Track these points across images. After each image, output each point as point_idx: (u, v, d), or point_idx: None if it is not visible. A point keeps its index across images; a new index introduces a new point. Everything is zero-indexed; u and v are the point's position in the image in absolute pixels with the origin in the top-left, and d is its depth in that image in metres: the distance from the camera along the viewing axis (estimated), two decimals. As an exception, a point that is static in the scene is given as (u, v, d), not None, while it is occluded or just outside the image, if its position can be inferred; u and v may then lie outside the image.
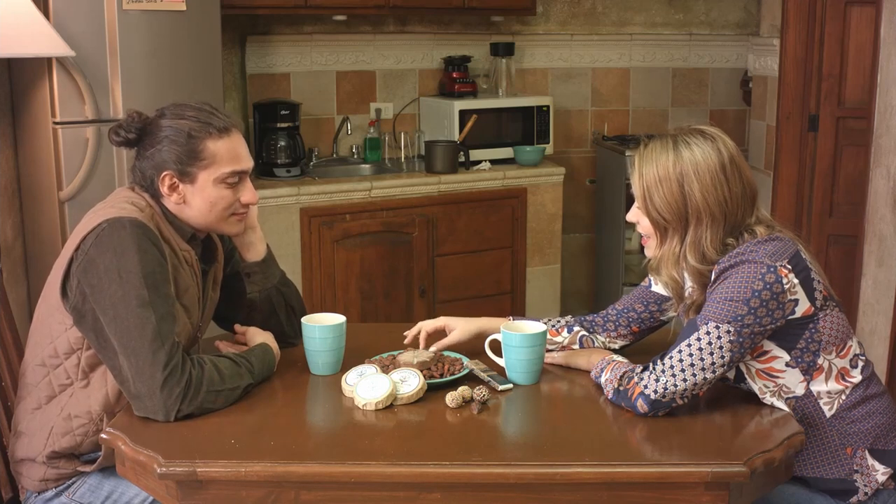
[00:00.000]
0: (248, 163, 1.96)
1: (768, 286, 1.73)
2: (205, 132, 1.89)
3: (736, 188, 1.81)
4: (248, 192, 1.96)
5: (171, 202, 1.92)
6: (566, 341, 2.09)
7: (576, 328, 2.09)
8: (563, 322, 2.12)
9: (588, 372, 1.94)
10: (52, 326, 1.86)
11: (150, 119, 1.93)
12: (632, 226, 1.99)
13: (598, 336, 2.09)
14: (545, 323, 2.07)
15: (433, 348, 2.04)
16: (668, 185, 1.81)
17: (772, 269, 1.74)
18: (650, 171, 1.83)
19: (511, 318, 2.11)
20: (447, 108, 4.34)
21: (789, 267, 1.75)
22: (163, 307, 1.78)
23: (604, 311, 2.13)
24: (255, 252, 2.10)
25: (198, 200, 1.91)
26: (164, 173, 1.88)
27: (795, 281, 1.75)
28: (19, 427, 1.92)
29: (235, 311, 2.13)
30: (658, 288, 2.06)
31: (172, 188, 1.90)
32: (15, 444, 1.92)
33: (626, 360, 1.88)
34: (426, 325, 2.11)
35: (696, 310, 1.86)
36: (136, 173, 1.93)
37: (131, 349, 1.74)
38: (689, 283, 1.89)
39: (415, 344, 2.08)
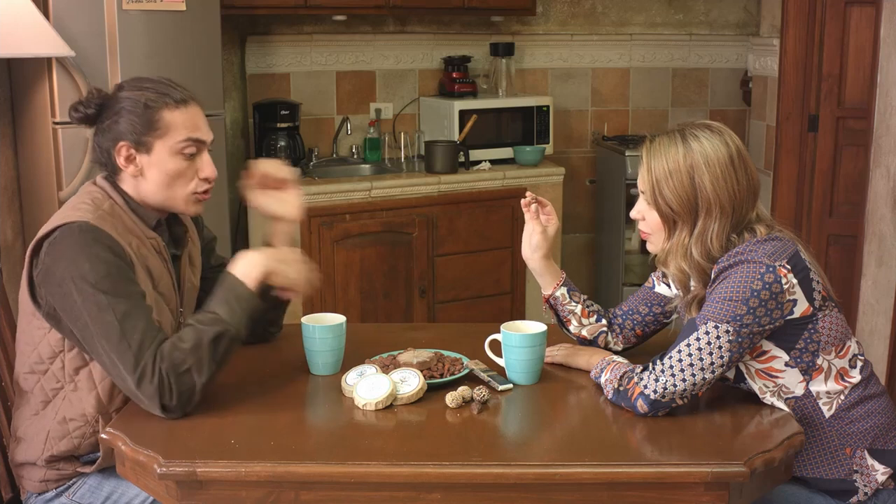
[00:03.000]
0: (206, 134, 1.92)
1: (767, 286, 1.73)
2: (161, 102, 1.86)
3: (743, 181, 1.82)
4: (207, 166, 1.92)
5: (129, 177, 1.88)
6: (587, 328, 2.09)
7: (603, 320, 2.10)
8: (594, 307, 2.11)
9: (588, 372, 1.94)
10: (32, 334, 1.86)
11: (108, 94, 1.91)
12: (632, 226, 2.00)
13: (609, 336, 2.09)
14: (579, 303, 2.08)
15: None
16: (678, 178, 1.81)
17: (771, 269, 1.74)
18: (659, 165, 1.83)
19: (560, 280, 2.10)
20: (447, 108, 4.34)
21: (788, 267, 1.75)
22: (124, 305, 1.74)
23: (611, 311, 2.13)
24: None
25: (154, 172, 1.87)
26: (120, 144, 1.85)
27: (794, 281, 1.75)
28: (18, 433, 1.92)
29: None
30: (661, 289, 2.06)
31: (129, 160, 1.86)
32: (15, 449, 1.92)
33: (626, 361, 1.88)
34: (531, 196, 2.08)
35: (697, 305, 1.86)
36: (95, 150, 1.90)
37: (105, 353, 1.74)
38: (692, 282, 1.89)
39: (415, 344, 2.07)
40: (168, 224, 1.98)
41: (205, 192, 1.94)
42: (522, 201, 2.08)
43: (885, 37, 3.33)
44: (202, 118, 1.92)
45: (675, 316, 2.08)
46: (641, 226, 1.92)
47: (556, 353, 2.04)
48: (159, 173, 1.87)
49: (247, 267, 1.84)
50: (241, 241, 4.00)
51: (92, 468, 1.88)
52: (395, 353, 2.01)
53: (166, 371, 1.72)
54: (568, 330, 2.11)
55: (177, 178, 1.88)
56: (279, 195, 2.03)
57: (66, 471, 1.88)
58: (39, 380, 1.87)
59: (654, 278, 2.08)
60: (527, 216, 2.09)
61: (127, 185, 1.90)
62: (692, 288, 1.89)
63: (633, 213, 1.94)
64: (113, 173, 1.90)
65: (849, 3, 4.07)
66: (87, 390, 1.85)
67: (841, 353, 1.82)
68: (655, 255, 1.93)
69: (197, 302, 2.06)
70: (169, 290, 1.92)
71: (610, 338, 2.09)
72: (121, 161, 1.87)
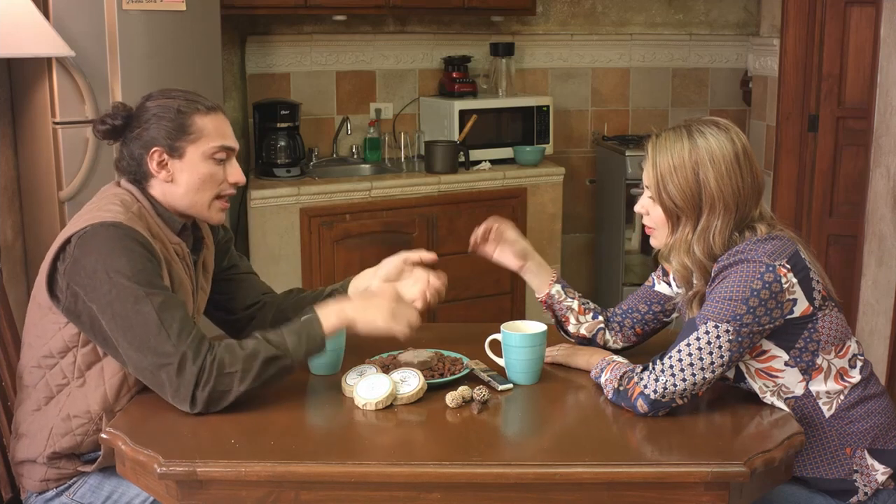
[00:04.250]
0: (235, 142, 1.97)
1: (767, 286, 1.73)
2: (193, 108, 1.90)
3: (748, 179, 1.82)
4: (236, 172, 1.96)
5: (159, 182, 1.91)
6: (585, 325, 2.09)
7: (599, 317, 2.10)
8: (590, 305, 2.11)
9: (588, 372, 1.94)
10: (44, 328, 1.86)
11: (134, 106, 1.94)
12: (632, 226, 2.00)
13: (608, 334, 2.09)
14: (575, 299, 2.09)
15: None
16: (682, 173, 1.82)
17: (770, 269, 1.74)
18: (665, 160, 1.83)
19: (554, 277, 2.12)
20: (447, 108, 4.34)
21: (788, 266, 1.75)
22: (160, 296, 1.77)
23: (610, 310, 2.13)
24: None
25: (185, 177, 1.90)
26: (154, 149, 1.89)
27: (794, 280, 1.75)
28: (20, 429, 1.92)
29: (236, 303, 2.15)
30: (661, 287, 2.06)
31: (161, 165, 1.90)
32: (16, 446, 1.92)
33: (626, 361, 1.88)
34: (480, 231, 2.11)
35: (698, 303, 1.86)
36: (124, 159, 1.93)
37: (137, 345, 1.74)
38: (694, 278, 1.89)
39: (415, 344, 2.07)
40: (190, 230, 2.00)
41: (227, 198, 1.98)
42: (469, 249, 2.08)
43: (885, 37, 3.33)
44: (229, 127, 1.97)
45: (675, 315, 2.08)
46: (645, 220, 1.92)
47: (556, 352, 2.04)
48: (191, 177, 1.90)
49: (331, 313, 1.85)
50: (240, 240, 4.00)
51: (93, 467, 1.88)
52: (395, 353, 2.01)
53: (210, 364, 1.74)
54: (566, 331, 2.11)
55: (207, 181, 1.92)
56: (410, 279, 2.13)
57: (66, 470, 1.88)
58: (45, 375, 1.87)
59: (655, 277, 2.09)
60: (482, 253, 2.08)
61: (155, 190, 1.93)
62: (694, 284, 1.89)
63: (637, 208, 1.94)
64: (142, 180, 1.92)
65: (849, 3, 4.07)
66: (95, 387, 1.85)
67: (841, 353, 1.82)
68: (658, 251, 1.94)
69: (207, 304, 2.10)
70: (188, 295, 1.94)
71: (609, 336, 2.09)
72: (153, 166, 1.90)
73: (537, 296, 2.13)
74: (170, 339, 1.73)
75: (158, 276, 1.81)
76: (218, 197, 1.95)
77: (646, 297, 2.08)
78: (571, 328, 2.10)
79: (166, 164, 1.90)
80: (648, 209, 1.90)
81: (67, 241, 1.80)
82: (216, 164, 1.93)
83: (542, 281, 2.12)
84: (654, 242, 1.94)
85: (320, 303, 1.90)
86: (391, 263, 2.16)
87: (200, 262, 2.04)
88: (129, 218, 1.83)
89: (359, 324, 1.86)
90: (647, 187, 1.89)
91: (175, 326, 1.75)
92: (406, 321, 1.86)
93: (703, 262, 1.83)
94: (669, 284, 2.05)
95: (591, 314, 2.10)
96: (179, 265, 1.91)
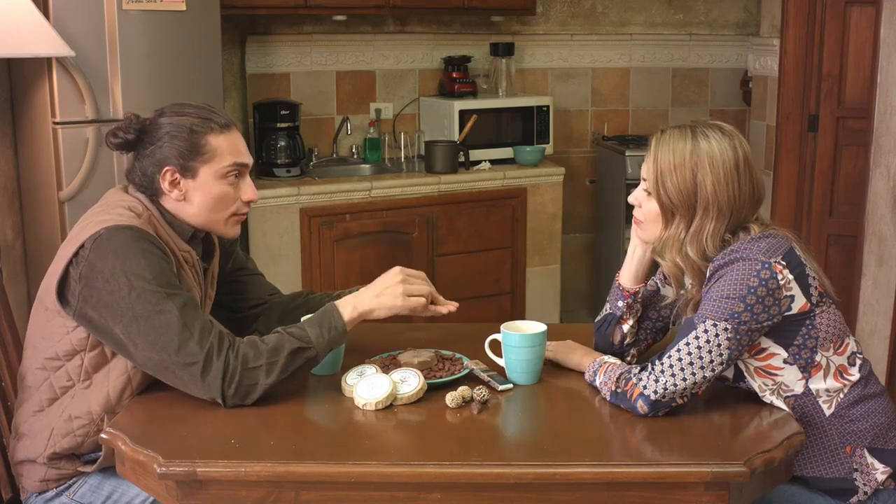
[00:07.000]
0: (248, 158, 1.97)
1: (764, 282, 1.73)
2: (206, 127, 1.89)
3: (745, 188, 1.83)
4: (249, 189, 1.97)
5: (171, 199, 1.91)
6: (631, 332, 2.05)
7: (639, 346, 2.07)
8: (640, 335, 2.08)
9: (582, 372, 1.94)
10: (51, 331, 1.86)
11: (148, 120, 1.93)
12: (631, 225, 2.00)
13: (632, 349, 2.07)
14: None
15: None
16: (681, 173, 1.82)
17: (766, 266, 1.74)
18: (666, 157, 1.84)
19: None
20: (447, 108, 4.35)
21: (783, 263, 1.76)
22: (181, 297, 1.78)
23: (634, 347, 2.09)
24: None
25: (199, 196, 1.91)
26: (166, 168, 1.88)
27: (790, 277, 1.76)
28: (20, 429, 1.92)
29: (242, 302, 2.16)
30: (665, 290, 2.05)
31: (174, 184, 1.90)
32: (16, 446, 1.92)
33: (618, 361, 1.88)
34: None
35: (693, 307, 1.86)
36: (136, 174, 1.92)
37: (161, 346, 1.75)
38: (687, 280, 1.89)
39: (415, 344, 2.07)
40: (200, 238, 2.00)
41: (244, 213, 1.98)
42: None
43: (885, 37, 3.33)
44: (243, 142, 1.97)
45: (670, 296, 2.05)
46: (636, 212, 1.93)
47: (549, 349, 2.00)
48: (204, 197, 1.91)
49: (348, 303, 1.89)
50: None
51: (93, 468, 1.88)
52: (395, 353, 2.01)
53: (234, 361, 1.75)
54: (619, 326, 2.05)
55: (221, 201, 1.92)
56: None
57: (66, 470, 1.88)
58: (49, 377, 1.87)
59: (658, 281, 2.07)
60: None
61: (167, 205, 1.93)
62: (688, 285, 1.89)
63: (631, 199, 1.94)
64: (154, 195, 1.92)
65: (849, 3, 4.07)
66: (99, 388, 1.85)
67: (839, 350, 1.82)
68: (654, 246, 1.93)
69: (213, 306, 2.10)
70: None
71: (632, 350, 2.07)
72: (165, 185, 1.90)
73: (630, 286, 2.04)
74: (193, 337, 1.75)
75: (175, 277, 1.82)
76: (233, 214, 1.96)
77: (652, 303, 2.06)
78: (626, 327, 2.04)
79: (178, 183, 1.90)
80: (642, 202, 1.91)
81: (81, 245, 1.80)
82: (229, 185, 1.93)
83: (639, 279, 2.03)
84: (639, 233, 1.95)
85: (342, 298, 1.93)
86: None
87: (210, 270, 2.04)
88: (141, 223, 1.83)
89: (377, 311, 1.90)
90: (644, 180, 1.90)
91: (197, 325, 1.76)
92: (420, 294, 1.90)
93: (696, 263, 1.84)
94: (670, 284, 2.05)
95: (638, 332, 2.07)
96: (189, 273, 1.91)
